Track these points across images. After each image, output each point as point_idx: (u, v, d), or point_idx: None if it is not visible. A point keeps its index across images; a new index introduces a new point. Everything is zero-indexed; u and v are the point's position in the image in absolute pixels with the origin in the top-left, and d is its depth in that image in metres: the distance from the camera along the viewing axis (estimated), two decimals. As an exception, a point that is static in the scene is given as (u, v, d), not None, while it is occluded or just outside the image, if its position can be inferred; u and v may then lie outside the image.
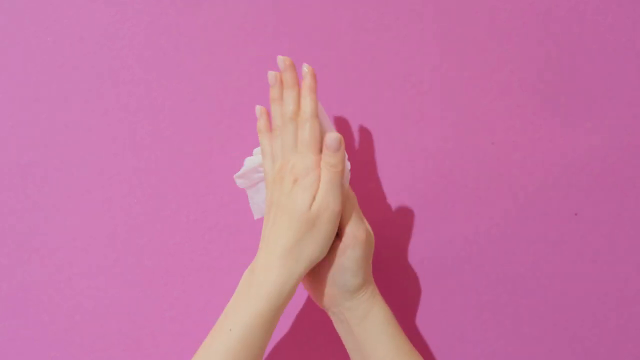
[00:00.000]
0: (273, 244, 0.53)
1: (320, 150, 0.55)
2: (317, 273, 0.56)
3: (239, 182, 0.61)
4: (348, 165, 0.57)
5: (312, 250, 0.53)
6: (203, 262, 0.66)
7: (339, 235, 0.56)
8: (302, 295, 0.65)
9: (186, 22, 0.69)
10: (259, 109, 0.60)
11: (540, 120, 0.66)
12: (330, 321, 0.59)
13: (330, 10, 0.68)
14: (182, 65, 0.68)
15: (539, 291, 0.64)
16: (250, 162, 0.60)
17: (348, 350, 0.58)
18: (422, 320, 0.65)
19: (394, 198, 0.66)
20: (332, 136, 0.54)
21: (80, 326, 0.65)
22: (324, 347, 0.65)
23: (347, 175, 0.57)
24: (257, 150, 0.61)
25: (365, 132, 0.67)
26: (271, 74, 0.58)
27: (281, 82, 0.58)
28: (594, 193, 0.65)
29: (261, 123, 0.59)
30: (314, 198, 0.53)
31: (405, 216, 0.66)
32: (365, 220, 0.58)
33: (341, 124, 0.67)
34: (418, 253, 0.65)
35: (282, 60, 0.57)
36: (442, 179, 0.66)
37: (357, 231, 0.56)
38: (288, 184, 0.54)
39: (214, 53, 0.68)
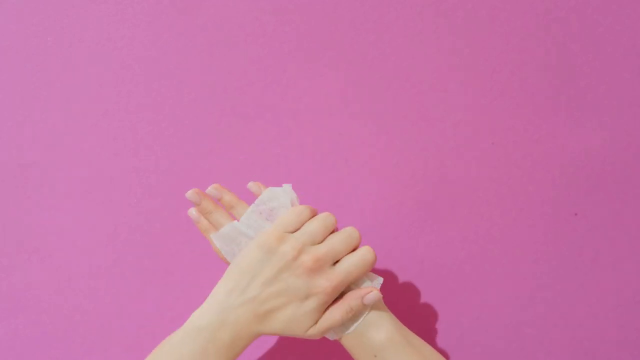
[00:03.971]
0: (265, 320, 0.52)
1: None
2: None
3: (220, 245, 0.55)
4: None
5: (278, 326, 0.52)
6: (203, 262, 0.66)
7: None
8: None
9: (186, 22, 0.69)
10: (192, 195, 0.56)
11: (540, 120, 0.66)
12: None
13: (331, 9, 0.68)
14: (182, 65, 0.68)
15: (538, 291, 0.64)
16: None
17: None
18: (422, 320, 0.65)
19: (394, 198, 0.66)
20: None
21: (80, 326, 0.65)
22: (323, 346, 0.65)
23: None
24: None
25: (365, 132, 0.67)
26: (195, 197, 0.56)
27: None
28: (594, 193, 0.65)
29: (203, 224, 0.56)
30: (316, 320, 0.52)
31: (406, 216, 0.66)
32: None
33: (341, 124, 0.67)
34: (418, 253, 0.65)
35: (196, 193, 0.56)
36: (442, 179, 0.66)
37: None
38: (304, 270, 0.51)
39: (214, 53, 0.68)
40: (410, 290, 0.65)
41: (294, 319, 0.52)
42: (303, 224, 0.54)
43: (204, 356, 0.50)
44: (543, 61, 0.67)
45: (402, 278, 0.65)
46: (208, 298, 0.52)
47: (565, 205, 0.65)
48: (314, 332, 0.52)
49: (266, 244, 0.52)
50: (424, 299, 0.65)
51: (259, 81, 0.68)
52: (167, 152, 0.67)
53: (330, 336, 0.54)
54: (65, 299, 0.65)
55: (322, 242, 0.53)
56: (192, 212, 0.56)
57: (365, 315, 0.53)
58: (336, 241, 0.53)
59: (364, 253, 0.53)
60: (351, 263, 0.52)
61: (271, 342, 0.65)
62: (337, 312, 0.52)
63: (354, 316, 0.53)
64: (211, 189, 0.56)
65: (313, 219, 0.54)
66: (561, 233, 0.65)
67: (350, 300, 0.52)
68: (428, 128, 0.67)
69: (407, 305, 0.65)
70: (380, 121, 0.67)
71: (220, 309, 0.51)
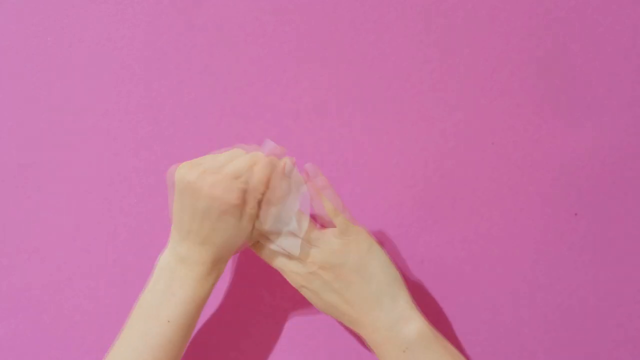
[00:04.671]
0: (208, 245, 0.55)
1: None
2: None
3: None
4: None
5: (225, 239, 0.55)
6: (203, 262, 0.66)
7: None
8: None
9: (186, 22, 0.69)
10: None
11: (540, 120, 0.66)
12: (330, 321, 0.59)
13: (331, 10, 0.68)
14: (182, 65, 0.68)
15: (538, 291, 0.64)
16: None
17: None
18: (422, 320, 0.65)
19: (394, 198, 0.66)
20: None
21: (80, 326, 0.65)
22: (324, 347, 0.65)
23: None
24: None
25: (365, 132, 0.67)
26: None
27: None
28: (594, 193, 0.65)
29: None
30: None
31: (406, 216, 0.66)
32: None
33: (341, 124, 0.67)
34: (418, 253, 0.65)
35: None
36: (442, 179, 0.66)
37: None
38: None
39: (214, 53, 0.68)
40: (410, 290, 0.65)
41: (232, 232, 0.54)
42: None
43: (170, 293, 0.54)
44: (543, 61, 0.67)
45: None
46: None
47: (565, 205, 0.65)
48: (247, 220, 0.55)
49: (178, 180, 0.55)
50: (424, 299, 0.65)
51: (259, 81, 0.68)
52: (167, 152, 0.67)
53: (287, 248, 0.56)
54: (65, 299, 0.65)
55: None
56: None
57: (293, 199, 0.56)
58: (235, 160, 0.55)
59: (259, 159, 0.55)
60: (253, 171, 0.54)
61: (279, 339, 0.65)
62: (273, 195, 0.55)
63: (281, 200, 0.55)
64: None
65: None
66: (561, 233, 0.65)
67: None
68: (428, 128, 0.67)
69: (407, 305, 0.65)
70: (381, 121, 0.67)
71: (172, 249, 0.56)
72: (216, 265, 0.55)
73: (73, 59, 0.69)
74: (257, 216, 0.55)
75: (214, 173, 0.54)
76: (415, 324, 0.53)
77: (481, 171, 0.66)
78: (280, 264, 0.57)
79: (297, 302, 0.65)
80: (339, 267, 0.54)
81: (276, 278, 0.59)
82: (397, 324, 0.53)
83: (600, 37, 0.67)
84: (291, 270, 0.56)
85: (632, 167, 0.65)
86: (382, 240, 0.65)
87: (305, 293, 0.56)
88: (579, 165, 0.66)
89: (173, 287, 0.54)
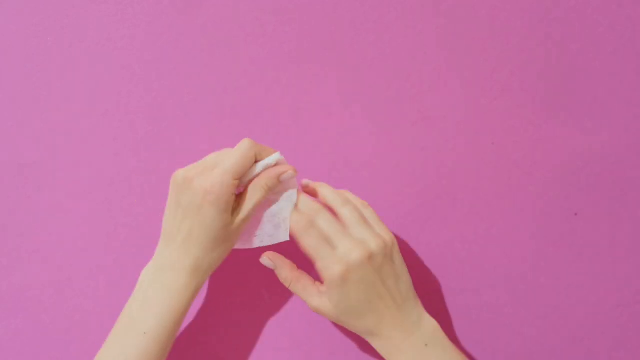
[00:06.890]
0: (187, 248, 0.54)
1: None
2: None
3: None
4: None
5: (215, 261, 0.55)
6: (203, 262, 0.66)
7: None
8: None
9: (186, 22, 0.69)
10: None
11: (540, 120, 0.66)
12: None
13: (331, 9, 0.68)
14: (182, 65, 0.68)
15: (539, 291, 0.64)
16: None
17: None
18: (422, 320, 0.65)
19: (394, 198, 0.66)
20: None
21: (80, 326, 0.65)
22: (324, 346, 0.65)
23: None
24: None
25: (365, 132, 0.67)
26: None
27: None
28: (594, 193, 0.65)
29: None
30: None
31: (406, 216, 0.66)
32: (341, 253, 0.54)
33: (341, 124, 0.67)
34: (418, 253, 0.65)
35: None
36: (442, 179, 0.66)
37: (325, 270, 0.54)
38: None
39: (214, 53, 0.68)
40: (410, 290, 0.65)
41: (210, 226, 0.53)
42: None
43: (147, 305, 0.54)
44: (543, 61, 0.67)
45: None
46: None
47: (565, 205, 0.65)
48: (239, 221, 0.54)
49: (170, 183, 0.56)
50: (424, 299, 0.65)
51: (259, 81, 0.68)
52: (167, 152, 0.67)
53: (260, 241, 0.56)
54: (65, 299, 0.65)
55: None
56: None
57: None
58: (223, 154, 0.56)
59: (239, 144, 0.55)
60: (228, 155, 0.55)
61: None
62: (255, 192, 0.54)
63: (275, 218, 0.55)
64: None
65: None
66: (561, 233, 0.65)
67: (267, 179, 0.55)
68: (428, 128, 0.67)
69: (407, 305, 0.65)
70: (380, 121, 0.67)
71: (154, 260, 0.56)
72: (195, 272, 0.55)
73: (73, 59, 0.69)
74: (234, 209, 0.55)
75: (198, 167, 0.55)
76: (428, 319, 0.55)
77: (481, 171, 0.66)
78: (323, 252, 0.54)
79: (297, 302, 0.65)
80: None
81: (276, 278, 0.59)
82: (419, 319, 0.55)
83: (600, 37, 0.67)
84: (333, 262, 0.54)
85: (632, 167, 0.65)
86: (382, 240, 0.65)
87: (333, 294, 0.54)
88: (579, 165, 0.66)
89: (150, 298, 0.54)
